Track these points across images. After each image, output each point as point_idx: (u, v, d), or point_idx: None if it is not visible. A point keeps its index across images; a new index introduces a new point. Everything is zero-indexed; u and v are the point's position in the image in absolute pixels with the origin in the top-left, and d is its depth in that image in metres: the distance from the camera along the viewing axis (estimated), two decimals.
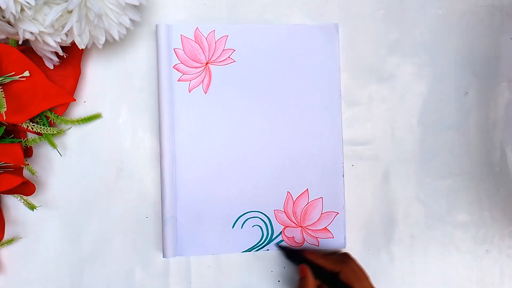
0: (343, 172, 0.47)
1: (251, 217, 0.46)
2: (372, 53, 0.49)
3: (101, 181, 0.46)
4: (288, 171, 0.47)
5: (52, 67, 0.43)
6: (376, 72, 0.49)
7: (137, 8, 0.41)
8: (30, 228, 0.46)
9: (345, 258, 0.44)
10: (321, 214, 0.47)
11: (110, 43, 0.43)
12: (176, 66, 0.46)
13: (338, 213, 0.47)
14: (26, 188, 0.42)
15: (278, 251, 0.47)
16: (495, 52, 0.50)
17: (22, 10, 0.35)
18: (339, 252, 0.47)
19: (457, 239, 0.48)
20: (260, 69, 0.47)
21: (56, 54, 0.41)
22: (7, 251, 0.45)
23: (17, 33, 0.37)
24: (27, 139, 0.44)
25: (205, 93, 0.47)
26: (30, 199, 0.44)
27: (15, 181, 0.40)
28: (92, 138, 0.46)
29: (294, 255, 0.45)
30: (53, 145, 0.44)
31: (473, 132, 0.49)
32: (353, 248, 0.47)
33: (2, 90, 0.40)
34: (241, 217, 0.46)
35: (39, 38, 0.37)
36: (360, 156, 0.48)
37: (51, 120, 0.43)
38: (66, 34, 0.38)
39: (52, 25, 0.37)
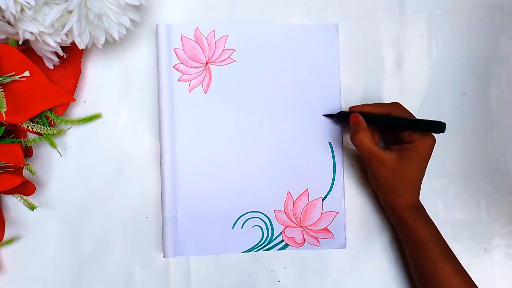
0: (343, 172, 0.48)
1: (251, 217, 0.46)
2: (372, 53, 0.49)
3: (101, 181, 0.46)
4: (288, 171, 0.47)
5: (52, 67, 0.43)
6: (375, 72, 0.49)
7: (137, 8, 0.41)
8: (30, 228, 0.46)
9: (392, 102, 0.45)
10: (321, 214, 0.47)
11: (110, 43, 0.43)
12: (176, 66, 0.46)
13: (338, 213, 0.47)
14: (26, 188, 0.42)
15: (329, 118, 0.47)
16: (495, 52, 0.50)
17: (22, 10, 0.35)
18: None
19: (454, 238, 0.49)
20: (260, 69, 0.47)
21: (56, 54, 0.41)
22: (7, 251, 0.45)
23: (17, 33, 0.37)
24: (27, 139, 0.44)
25: (205, 93, 0.47)
26: (30, 199, 0.44)
27: (15, 181, 0.40)
28: (92, 138, 0.46)
29: (344, 116, 0.46)
30: (53, 145, 0.44)
31: (471, 132, 0.49)
32: (353, 248, 0.48)
33: (2, 90, 0.40)
34: (241, 217, 0.46)
35: (39, 38, 0.37)
36: (360, 156, 0.48)
37: (51, 120, 0.43)
38: (66, 34, 0.38)
39: (52, 25, 0.37)
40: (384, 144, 0.48)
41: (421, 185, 0.44)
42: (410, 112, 0.44)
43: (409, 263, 0.45)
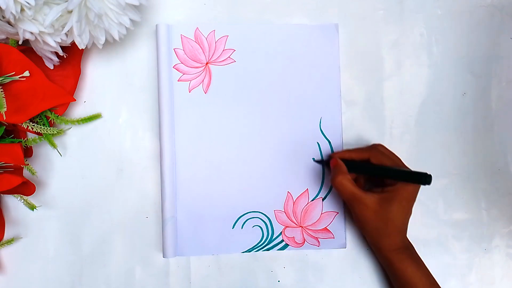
0: None
1: (251, 218, 0.46)
2: (372, 53, 0.49)
3: (101, 181, 0.46)
4: (288, 171, 0.47)
5: (52, 67, 0.43)
6: (375, 72, 0.49)
7: (137, 8, 0.41)
8: (30, 228, 0.46)
9: (372, 145, 0.45)
10: (321, 214, 0.47)
11: (110, 43, 0.43)
12: (176, 66, 0.46)
13: (338, 213, 0.47)
14: (26, 188, 0.42)
15: (318, 164, 0.47)
16: (495, 52, 0.50)
17: (22, 10, 0.35)
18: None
19: (455, 238, 0.49)
20: (260, 69, 0.47)
21: (56, 54, 0.41)
22: (7, 251, 0.45)
23: (17, 33, 0.37)
24: (27, 139, 0.44)
25: (205, 93, 0.47)
26: (30, 199, 0.44)
27: (15, 181, 0.40)
28: (92, 138, 0.46)
29: (328, 163, 0.45)
30: (53, 145, 0.44)
31: (471, 132, 0.49)
32: (353, 248, 0.48)
33: (2, 90, 0.40)
34: (241, 217, 0.46)
35: (39, 38, 0.37)
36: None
37: (51, 120, 0.43)
38: (66, 34, 0.38)
39: (52, 25, 0.37)
40: (368, 184, 0.47)
41: (408, 223, 0.43)
42: (392, 154, 0.44)
43: None
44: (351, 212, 0.44)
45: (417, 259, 0.43)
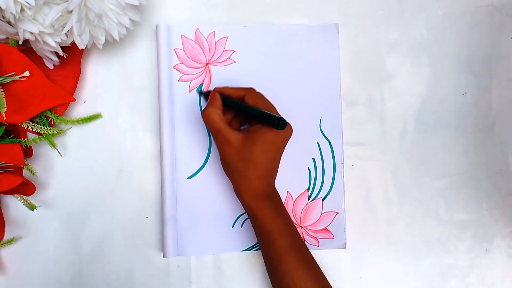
0: (343, 172, 0.47)
1: None
2: (372, 53, 0.49)
3: (101, 181, 0.46)
4: (288, 171, 0.47)
5: (52, 67, 0.43)
6: (376, 72, 0.49)
7: (137, 8, 0.41)
8: (30, 228, 0.46)
9: (250, 87, 0.44)
10: (321, 214, 0.47)
11: (110, 43, 0.43)
12: (176, 66, 0.46)
13: (338, 213, 0.47)
14: (26, 188, 0.42)
15: (200, 96, 0.47)
16: (494, 52, 0.49)
17: (22, 10, 0.35)
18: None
19: (456, 238, 0.48)
20: (260, 69, 0.47)
21: (56, 54, 0.41)
22: (7, 251, 0.45)
23: (17, 33, 0.37)
24: (27, 139, 0.44)
25: None
26: (30, 199, 0.44)
27: (15, 181, 0.40)
28: (92, 138, 0.46)
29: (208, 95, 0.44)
30: (53, 145, 0.44)
31: (472, 132, 0.49)
32: (353, 248, 0.47)
33: (2, 90, 0.40)
34: (240, 217, 0.46)
35: (39, 38, 0.37)
36: (360, 156, 0.48)
37: (51, 120, 0.44)
38: (66, 34, 0.38)
39: (52, 25, 0.37)
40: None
41: (276, 175, 0.42)
42: (268, 101, 0.43)
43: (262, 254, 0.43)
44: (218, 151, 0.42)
45: (278, 209, 0.42)
